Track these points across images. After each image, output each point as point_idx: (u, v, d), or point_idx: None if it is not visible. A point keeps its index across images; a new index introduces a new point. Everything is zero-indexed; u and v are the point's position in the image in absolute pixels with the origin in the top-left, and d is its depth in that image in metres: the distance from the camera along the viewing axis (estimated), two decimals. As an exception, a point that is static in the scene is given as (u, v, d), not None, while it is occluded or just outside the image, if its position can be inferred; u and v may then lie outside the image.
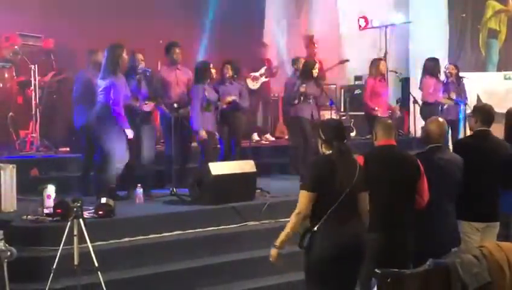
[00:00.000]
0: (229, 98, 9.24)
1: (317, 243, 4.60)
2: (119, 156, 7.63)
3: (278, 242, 4.72)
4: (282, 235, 4.71)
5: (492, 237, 5.69)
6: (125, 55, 7.87)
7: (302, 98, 9.66)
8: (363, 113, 10.89)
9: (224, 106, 9.19)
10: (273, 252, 4.74)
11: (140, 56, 8.37)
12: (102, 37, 9.50)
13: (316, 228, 4.61)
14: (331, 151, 4.71)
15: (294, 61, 11.08)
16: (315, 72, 9.85)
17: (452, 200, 5.55)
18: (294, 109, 9.81)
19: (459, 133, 10.63)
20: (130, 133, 7.70)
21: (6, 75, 9.64)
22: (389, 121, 5.53)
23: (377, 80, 10.18)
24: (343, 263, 4.61)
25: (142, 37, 10.37)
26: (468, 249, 5.07)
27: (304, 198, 4.64)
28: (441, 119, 5.83)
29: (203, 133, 8.62)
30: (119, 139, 7.64)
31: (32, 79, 9.58)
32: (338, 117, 11.20)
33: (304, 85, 9.66)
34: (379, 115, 9.51)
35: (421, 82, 10.83)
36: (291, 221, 4.68)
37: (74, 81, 8.78)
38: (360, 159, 5.06)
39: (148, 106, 8.20)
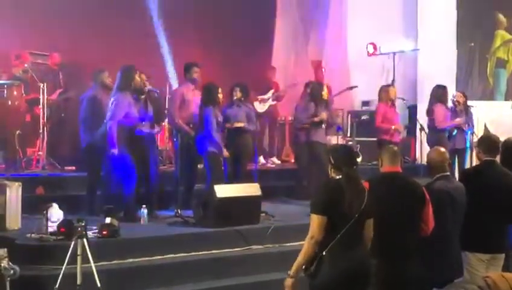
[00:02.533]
0: (239, 124, 9.24)
1: (325, 268, 4.56)
2: (126, 176, 7.62)
3: (292, 272, 4.63)
4: (296, 264, 4.62)
5: (497, 269, 5.63)
6: (137, 77, 7.94)
7: (322, 124, 9.63)
8: (369, 139, 10.84)
9: (233, 127, 9.18)
10: (288, 282, 4.62)
11: (143, 76, 8.39)
12: (108, 55, 9.55)
13: (323, 253, 4.56)
14: (340, 176, 4.71)
15: (308, 85, 11.01)
16: (324, 94, 9.85)
17: (457, 229, 5.52)
18: (307, 134, 9.73)
19: (465, 162, 10.52)
20: (115, 152, 7.68)
21: (15, 93, 9.65)
22: (395, 148, 5.54)
23: (388, 106, 10.14)
24: (350, 288, 4.58)
25: (150, 58, 10.40)
26: (472, 279, 5.03)
27: (315, 222, 4.58)
28: (442, 149, 5.83)
29: (226, 153, 8.75)
30: (126, 159, 7.65)
31: (41, 97, 9.63)
32: (345, 142, 11.18)
33: (324, 113, 9.66)
34: (397, 133, 9.75)
35: (430, 110, 10.63)
36: (304, 248, 4.60)
37: (80, 100, 8.77)
38: (364, 185, 5.06)
39: (157, 129, 8.23)
